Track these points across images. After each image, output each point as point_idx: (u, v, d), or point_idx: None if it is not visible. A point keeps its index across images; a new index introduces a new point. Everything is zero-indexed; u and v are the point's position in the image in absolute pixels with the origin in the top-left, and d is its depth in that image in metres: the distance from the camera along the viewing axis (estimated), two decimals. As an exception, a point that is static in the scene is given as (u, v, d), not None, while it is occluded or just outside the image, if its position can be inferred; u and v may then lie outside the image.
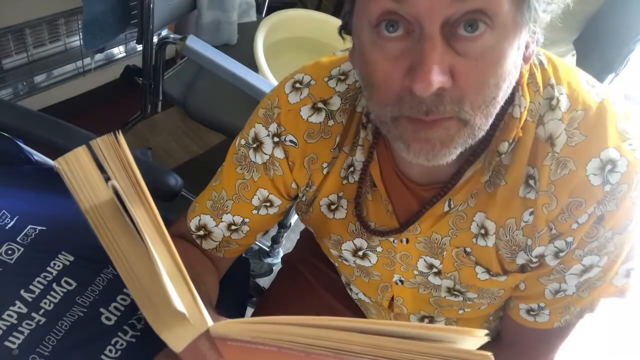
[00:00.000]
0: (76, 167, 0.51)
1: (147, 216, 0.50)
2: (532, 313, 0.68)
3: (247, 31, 1.46)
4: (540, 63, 0.58)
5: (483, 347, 0.91)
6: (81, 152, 0.51)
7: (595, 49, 1.39)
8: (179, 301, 0.45)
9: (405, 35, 0.46)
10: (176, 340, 0.45)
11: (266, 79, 1.20)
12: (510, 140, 0.56)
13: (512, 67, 0.48)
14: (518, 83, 0.56)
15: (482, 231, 0.61)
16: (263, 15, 1.64)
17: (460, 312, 0.73)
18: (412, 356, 0.39)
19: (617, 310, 1.68)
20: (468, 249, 0.63)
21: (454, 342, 0.40)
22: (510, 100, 0.56)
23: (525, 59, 0.52)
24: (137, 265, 0.49)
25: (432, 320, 0.77)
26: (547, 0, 0.47)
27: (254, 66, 1.22)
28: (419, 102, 0.46)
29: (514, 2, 0.45)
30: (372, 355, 0.40)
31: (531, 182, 0.57)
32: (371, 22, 0.47)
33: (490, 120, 0.50)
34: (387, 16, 0.46)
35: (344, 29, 0.55)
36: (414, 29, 0.45)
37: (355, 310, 0.87)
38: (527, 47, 0.51)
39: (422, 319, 0.77)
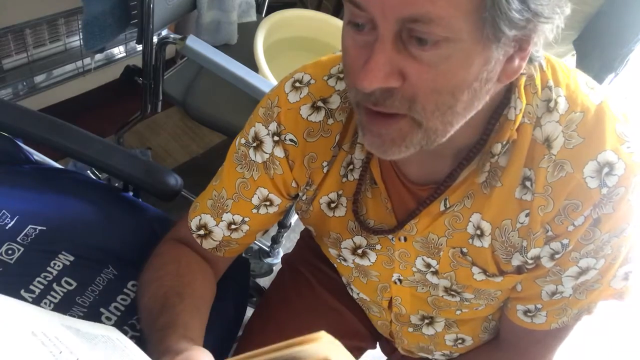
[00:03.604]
0: None
1: None
2: (529, 314, 0.68)
3: (247, 31, 1.45)
4: (539, 65, 0.58)
5: (483, 346, 0.91)
6: None
7: (595, 49, 1.39)
8: None
9: (371, 31, 0.48)
10: None
11: (266, 79, 1.20)
12: (504, 142, 0.56)
13: (476, 80, 0.48)
14: (515, 85, 0.56)
15: (478, 232, 0.61)
16: (263, 15, 1.64)
17: (458, 312, 0.73)
18: None
19: (616, 312, 1.67)
20: (464, 250, 0.63)
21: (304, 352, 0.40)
22: (506, 103, 0.56)
23: (508, 75, 0.50)
24: None
25: (432, 320, 0.77)
26: (521, 19, 0.44)
27: (254, 66, 1.22)
28: (370, 93, 0.48)
29: (472, 18, 0.44)
30: None
31: (527, 183, 0.57)
32: (345, 20, 0.50)
33: (452, 129, 0.51)
34: (355, 19, 0.48)
35: None
36: (376, 27, 0.47)
37: (356, 309, 0.87)
38: (510, 61, 0.49)
39: (422, 319, 0.77)
